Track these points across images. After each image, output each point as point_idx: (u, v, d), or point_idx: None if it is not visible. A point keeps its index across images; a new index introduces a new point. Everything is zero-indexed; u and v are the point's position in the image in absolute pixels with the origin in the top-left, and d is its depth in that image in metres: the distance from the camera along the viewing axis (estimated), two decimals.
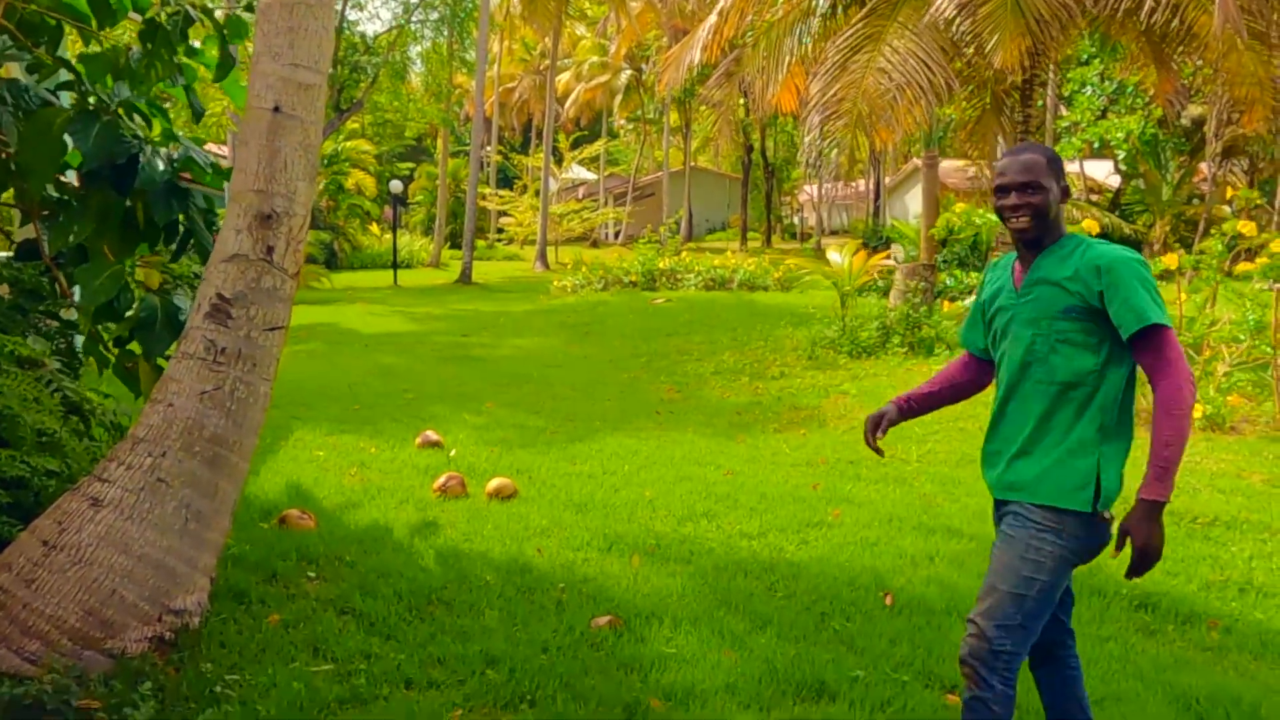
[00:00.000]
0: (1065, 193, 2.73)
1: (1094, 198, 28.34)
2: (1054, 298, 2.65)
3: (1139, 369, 2.67)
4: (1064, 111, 25.77)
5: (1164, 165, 25.09)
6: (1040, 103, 12.87)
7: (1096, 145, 24.73)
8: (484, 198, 37.19)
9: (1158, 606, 4.46)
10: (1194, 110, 23.87)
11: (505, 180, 46.54)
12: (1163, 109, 14.97)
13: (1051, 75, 13.53)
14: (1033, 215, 2.68)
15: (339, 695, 3.35)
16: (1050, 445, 2.64)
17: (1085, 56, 22.33)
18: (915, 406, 3.09)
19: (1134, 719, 3.35)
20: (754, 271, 21.30)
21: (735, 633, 4.05)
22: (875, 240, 27.08)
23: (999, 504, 2.80)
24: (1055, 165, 2.71)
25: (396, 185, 30.69)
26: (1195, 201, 25.19)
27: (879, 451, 3.08)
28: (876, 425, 3.03)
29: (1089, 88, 24.03)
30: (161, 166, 3.75)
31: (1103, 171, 29.83)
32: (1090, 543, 2.62)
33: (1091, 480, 2.58)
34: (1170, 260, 8.48)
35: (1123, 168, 26.51)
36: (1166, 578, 4.80)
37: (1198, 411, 8.00)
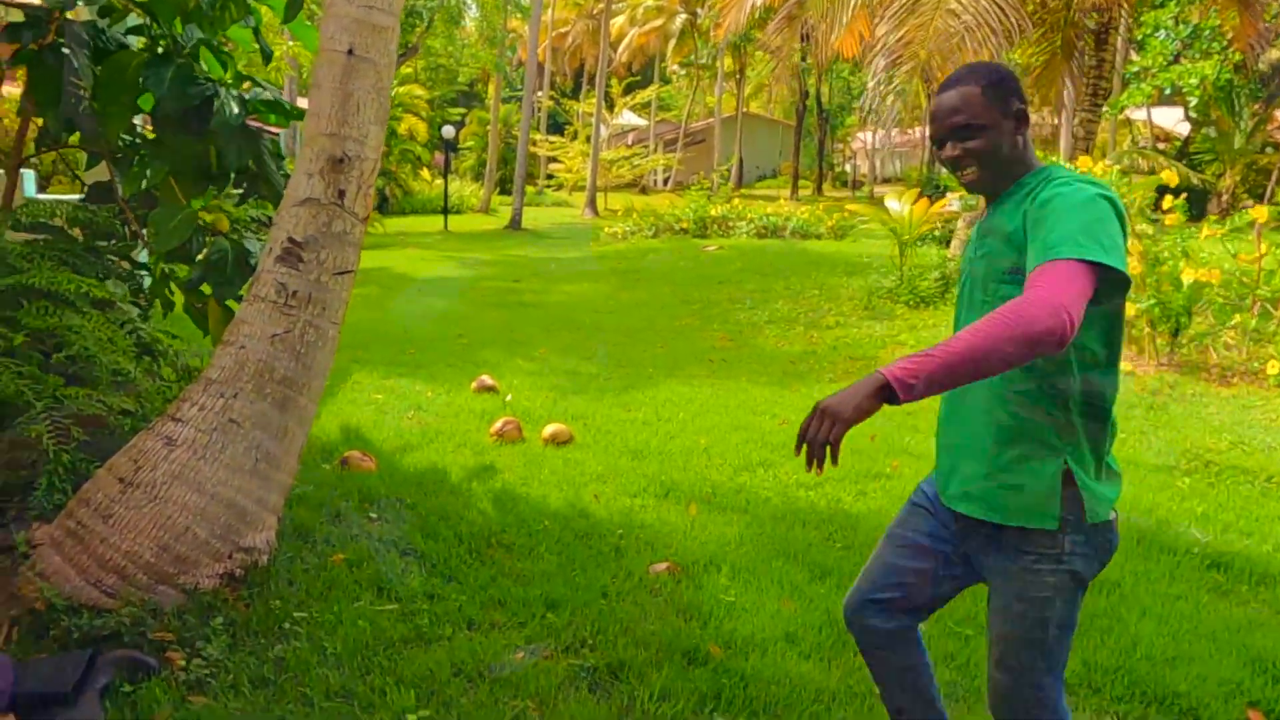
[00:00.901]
0: (1021, 118, 2.12)
1: (1161, 146, 27.47)
2: (1000, 254, 2.08)
3: (1118, 352, 2.09)
4: (1134, 56, 24.89)
5: (1237, 112, 24.21)
6: (1112, 45, 12.41)
7: (1166, 91, 23.89)
8: (534, 143, 37.05)
9: (1230, 566, 4.36)
10: (1272, 54, 22.92)
11: (556, 126, 46.28)
12: (1242, 53, 14.35)
13: (1124, 18, 13.01)
14: (979, 164, 2.12)
15: (403, 634, 3.40)
16: (1004, 451, 2.10)
17: None
18: None
19: (1208, 680, 3.29)
20: (807, 219, 21.04)
21: (794, 582, 4.04)
22: (930, 189, 26.54)
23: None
24: (999, 90, 2.10)
25: (448, 131, 30.63)
26: (1268, 150, 24.31)
27: None
28: None
29: (1162, 31, 23.15)
30: (235, 109, 3.73)
31: (1171, 119, 28.88)
32: (1094, 553, 2.10)
33: (1056, 490, 2.05)
34: (1260, 213, 8.17)
35: (1193, 115, 25.62)
36: (1240, 537, 4.70)
37: (1273, 369, 7.75)
